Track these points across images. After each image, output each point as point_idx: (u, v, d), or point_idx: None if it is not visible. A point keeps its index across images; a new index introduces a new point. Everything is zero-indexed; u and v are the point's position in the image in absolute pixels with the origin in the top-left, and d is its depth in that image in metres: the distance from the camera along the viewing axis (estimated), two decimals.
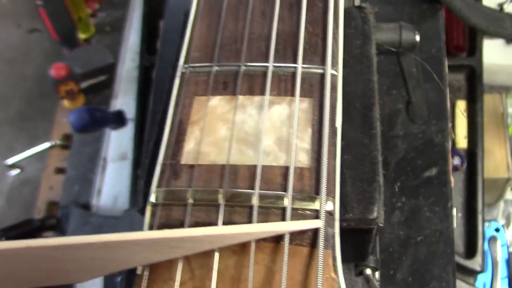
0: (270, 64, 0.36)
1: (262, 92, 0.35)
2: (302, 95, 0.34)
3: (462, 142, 0.88)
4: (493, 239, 0.95)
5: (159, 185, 0.32)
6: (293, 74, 0.36)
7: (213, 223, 0.30)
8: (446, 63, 0.76)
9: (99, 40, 1.21)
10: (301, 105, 0.34)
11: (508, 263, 0.94)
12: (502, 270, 0.93)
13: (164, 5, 0.85)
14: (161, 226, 0.31)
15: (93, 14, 1.24)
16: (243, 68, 0.36)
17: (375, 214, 0.34)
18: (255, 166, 0.32)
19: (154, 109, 0.74)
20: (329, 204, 0.30)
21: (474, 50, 0.92)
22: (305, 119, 0.33)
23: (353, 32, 0.42)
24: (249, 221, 0.30)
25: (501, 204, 1.03)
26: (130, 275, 0.71)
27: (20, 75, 1.42)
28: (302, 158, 0.32)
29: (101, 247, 0.24)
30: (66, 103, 1.11)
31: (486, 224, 0.95)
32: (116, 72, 1.09)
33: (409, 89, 0.61)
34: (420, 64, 0.64)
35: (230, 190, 0.31)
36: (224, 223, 0.30)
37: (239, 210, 0.30)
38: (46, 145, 1.11)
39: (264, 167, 0.32)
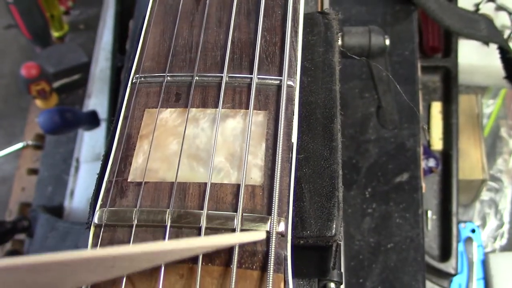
0: (224, 75, 0.34)
1: (215, 105, 0.33)
2: (257, 107, 0.33)
3: (437, 143, 0.87)
4: (469, 240, 0.95)
5: (103, 204, 0.30)
6: (249, 86, 0.34)
7: None
8: (419, 65, 0.75)
9: (72, 39, 1.19)
10: (255, 119, 0.33)
11: (484, 264, 0.94)
12: (478, 271, 0.93)
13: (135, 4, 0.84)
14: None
15: (67, 11, 1.22)
16: (196, 78, 0.34)
17: (333, 232, 0.33)
18: (205, 184, 0.30)
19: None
20: (281, 224, 0.29)
21: (450, 51, 0.91)
22: (259, 134, 0.32)
23: (315, 39, 0.41)
24: None
25: (477, 204, 1.03)
26: None
27: None
28: (254, 175, 0.31)
29: (24, 270, 0.22)
30: (38, 102, 1.08)
31: (462, 225, 0.95)
32: (90, 71, 1.07)
33: (379, 94, 0.60)
34: (391, 67, 0.63)
35: (178, 210, 0.29)
36: None
37: (186, 231, 0.29)
38: (18, 145, 1.08)
39: (214, 185, 0.30)
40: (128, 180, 0.31)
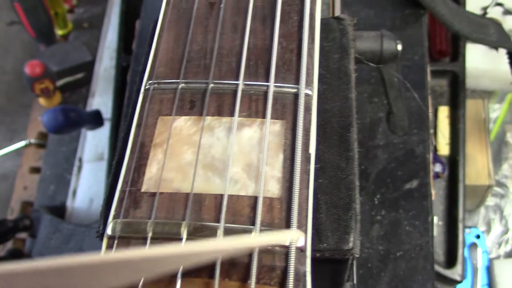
0: (240, 82, 0.33)
1: (231, 113, 0.32)
2: (274, 116, 0.32)
3: (444, 149, 0.86)
4: (473, 246, 0.94)
5: (117, 215, 0.30)
6: (265, 94, 0.33)
7: None
8: (429, 70, 0.74)
9: (76, 37, 1.18)
10: (272, 128, 0.32)
11: (488, 270, 0.93)
12: (482, 278, 0.92)
13: (141, 3, 0.83)
14: None
15: (71, 10, 1.21)
16: (211, 86, 0.34)
17: (350, 245, 0.32)
18: (221, 196, 0.29)
19: (127, 114, 0.72)
20: (300, 239, 0.28)
21: (457, 55, 0.91)
22: (277, 144, 0.31)
23: (330, 45, 0.40)
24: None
25: (482, 210, 1.02)
26: None
27: None
28: (272, 187, 0.30)
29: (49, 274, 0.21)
30: (42, 101, 1.07)
31: (467, 230, 0.94)
32: (94, 70, 1.06)
33: (390, 99, 0.60)
34: (402, 73, 0.62)
35: (193, 223, 0.28)
36: None
37: None
38: (21, 143, 1.08)
39: (231, 197, 0.29)
40: (142, 190, 0.30)
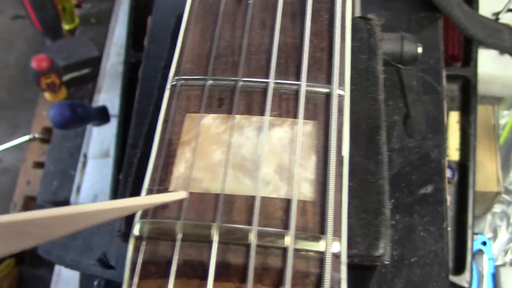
0: (271, 81, 0.32)
1: (261, 112, 0.31)
2: (306, 117, 0.31)
3: (453, 154, 0.86)
4: (479, 252, 0.93)
5: (144, 215, 0.29)
6: (296, 93, 0.32)
7: (204, 262, 0.27)
8: (444, 74, 0.73)
9: (83, 32, 1.17)
10: (304, 129, 0.31)
11: (494, 277, 0.92)
12: (488, 285, 0.91)
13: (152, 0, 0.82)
14: (146, 263, 0.27)
15: (78, 4, 1.20)
16: (240, 83, 0.32)
17: (381, 251, 0.31)
18: (252, 198, 0.28)
19: (139, 110, 0.71)
20: (335, 245, 0.27)
21: (469, 60, 0.90)
22: (309, 145, 0.30)
23: (358, 46, 0.39)
24: (247, 261, 0.26)
25: (488, 217, 1.01)
26: (108, 279, 0.68)
27: (2, 63, 1.38)
28: (305, 190, 0.29)
29: None
30: (47, 95, 1.06)
31: (474, 237, 0.93)
32: (101, 66, 1.05)
33: (408, 103, 0.59)
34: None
35: (225, 225, 0.27)
36: (218, 263, 0.26)
37: (234, 248, 0.27)
38: (25, 138, 1.07)
39: (263, 198, 0.28)
40: (170, 190, 0.29)
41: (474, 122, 0.86)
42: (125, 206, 0.24)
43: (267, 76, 0.33)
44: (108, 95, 1.04)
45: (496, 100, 1.04)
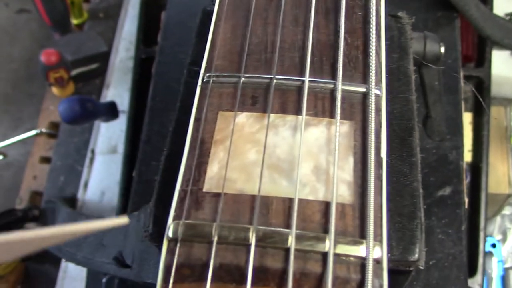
0: (306, 79, 0.31)
1: (296, 111, 0.30)
2: (342, 117, 0.30)
3: (466, 155, 0.85)
4: (488, 254, 0.92)
5: (177, 216, 0.28)
6: (332, 92, 0.31)
7: (241, 266, 0.26)
8: (462, 74, 0.72)
9: (91, 27, 1.16)
10: (341, 129, 0.30)
11: (503, 280, 0.91)
12: (497, 287, 0.91)
13: None
14: (181, 266, 0.26)
15: None
16: (274, 81, 0.32)
17: (416, 256, 0.30)
18: (290, 200, 0.27)
19: (152, 107, 0.70)
20: (376, 250, 0.26)
21: (483, 61, 0.89)
22: (346, 146, 0.29)
23: (388, 45, 0.38)
24: (285, 266, 0.25)
25: (498, 219, 1.01)
26: (115, 276, 0.67)
27: (6, 57, 1.37)
28: (343, 192, 0.28)
29: None
30: (55, 90, 1.05)
31: None
32: (109, 61, 1.04)
33: (428, 103, 0.58)
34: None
35: (262, 228, 0.26)
36: (256, 267, 0.25)
37: (272, 251, 0.26)
38: (32, 132, 1.06)
39: (300, 201, 0.27)
40: (204, 190, 0.28)
41: (488, 124, 0.85)
42: (68, 232, 0.24)
43: (301, 74, 0.32)
44: (117, 91, 1.03)
45: (507, 102, 1.03)
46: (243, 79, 0.32)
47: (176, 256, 0.26)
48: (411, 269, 0.31)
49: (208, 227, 0.27)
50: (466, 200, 0.62)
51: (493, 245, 0.94)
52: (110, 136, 1.00)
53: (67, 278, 0.92)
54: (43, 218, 0.92)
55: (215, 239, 0.26)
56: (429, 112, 0.58)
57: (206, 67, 0.33)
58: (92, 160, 0.99)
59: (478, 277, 0.77)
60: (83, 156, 1.00)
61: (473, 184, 0.82)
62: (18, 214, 0.91)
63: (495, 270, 0.92)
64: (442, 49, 0.54)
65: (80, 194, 0.97)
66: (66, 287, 0.91)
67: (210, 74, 0.32)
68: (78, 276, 0.91)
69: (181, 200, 0.28)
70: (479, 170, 0.82)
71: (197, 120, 0.31)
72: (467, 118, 0.88)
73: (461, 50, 0.90)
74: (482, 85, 0.87)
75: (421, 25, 0.75)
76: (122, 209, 0.75)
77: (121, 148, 0.96)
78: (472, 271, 0.77)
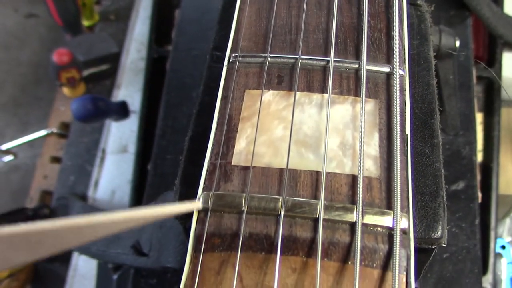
0: (331, 59, 0.32)
1: (321, 90, 0.31)
2: (367, 95, 0.31)
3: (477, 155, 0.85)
4: (498, 256, 0.92)
5: (207, 187, 0.28)
6: (356, 72, 0.32)
7: (271, 235, 0.26)
8: (474, 72, 0.73)
9: (102, 29, 1.17)
10: (366, 107, 0.30)
11: None
12: None
13: None
14: (211, 235, 0.27)
15: (98, 1, 1.20)
16: (300, 61, 0.32)
17: (439, 233, 0.30)
18: (317, 173, 0.28)
19: (167, 102, 0.71)
20: (403, 221, 0.26)
21: (494, 61, 0.89)
22: (371, 123, 0.30)
23: (408, 31, 0.39)
24: (314, 235, 0.26)
25: (507, 221, 1.00)
26: (126, 273, 0.68)
27: (15, 61, 1.38)
28: (369, 166, 0.28)
29: None
30: (65, 90, 1.06)
31: None
32: (120, 62, 1.05)
33: (443, 97, 0.58)
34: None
35: (291, 199, 0.27)
36: (285, 236, 0.26)
37: (300, 222, 0.26)
38: (42, 132, 1.07)
39: (327, 174, 0.28)
40: (232, 164, 0.29)
41: (498, 124, 0.85)
42: (141, 216, 0.24)
43: (326, 55, 0.32)
44: (128, 91, 1.04)
45: None
46: (269, 59, 0.32)
47: (206, 226, 0.27)
48: (433, 246, 0.31)
49: (238, 198, 0.27)
50: (480, 195, 0.62)
51: (503, 247, 0.93)
52: (120, 136, 1.00)
53: (77, 276, 0.92)
54: (54, 217, 0.93)
55: (245, 209, 0.27)
56: (443, 106, 0.58)
57: (232, 48, 0.34)
58: (102, 159, 0.99)
59: (489, 276, 0.77)
60: (93, 156, 1.00)
61: (483, 184, 0.83)
62: (29, 213, 0.91)
63: (504, 272, 0.92)
64: (457, 43, 0.55)
65: (90, 193, 0.97)
66: (76, 285, 0.91)
67: (237, 54, 0.33)
68: (88, 274, 0.91)
69: (210, 173, 0.29)
70: (489, 170, 0.82)
71: (224, 97, 0.31)
72: (478, 118, 0.88)
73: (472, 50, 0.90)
74: (492, 85, 0.88)
75: (434, 23, 0.76)
76: (134, 206, 0.75)
77: (131, 148, 0.96)
78: (483, 270, 0.77)
